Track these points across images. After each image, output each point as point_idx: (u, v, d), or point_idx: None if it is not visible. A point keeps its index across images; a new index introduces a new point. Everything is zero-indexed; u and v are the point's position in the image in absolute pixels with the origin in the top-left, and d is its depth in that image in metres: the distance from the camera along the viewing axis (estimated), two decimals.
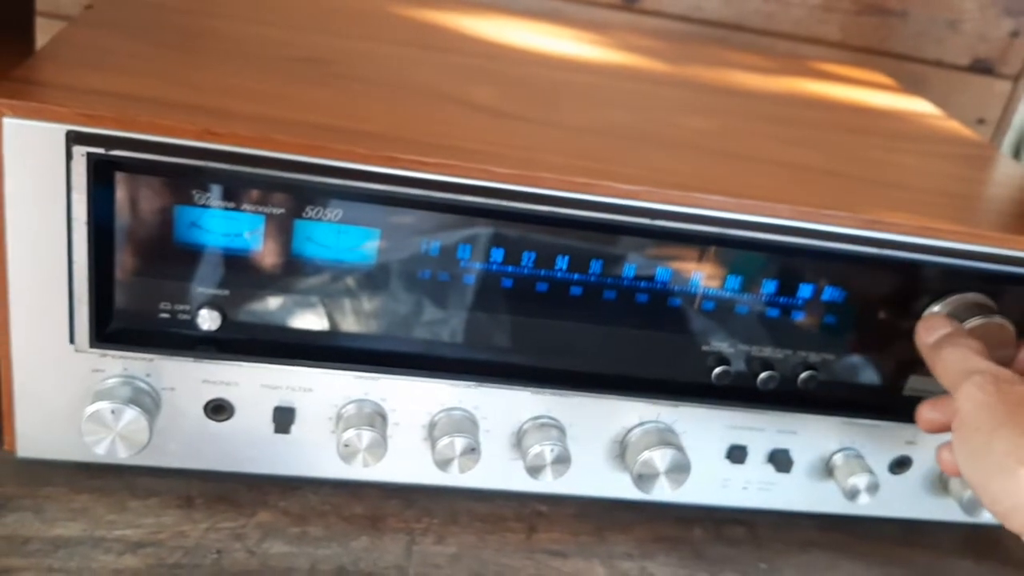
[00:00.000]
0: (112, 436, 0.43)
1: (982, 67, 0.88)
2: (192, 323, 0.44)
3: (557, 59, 0.65)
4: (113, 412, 0.43)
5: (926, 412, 0.46)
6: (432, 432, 0.47)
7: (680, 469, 0.48)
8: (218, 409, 0.46)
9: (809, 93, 0.70)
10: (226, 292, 0.44)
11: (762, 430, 0.51)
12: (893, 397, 0.51)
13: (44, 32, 0.67)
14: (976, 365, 0.42)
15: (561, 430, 0.48)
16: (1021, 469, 0.37)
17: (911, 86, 0.81)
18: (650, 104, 0.60)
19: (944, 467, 0.46)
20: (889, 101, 0.72)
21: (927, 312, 0.47)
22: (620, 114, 0.56)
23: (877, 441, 0.52)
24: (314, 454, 0.48)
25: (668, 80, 0.67)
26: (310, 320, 0.45)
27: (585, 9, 0.83)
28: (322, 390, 0.46)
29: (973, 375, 0.41)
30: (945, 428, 0.45)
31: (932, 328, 0.46)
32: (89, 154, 0.39)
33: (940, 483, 0.54)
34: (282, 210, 0.42)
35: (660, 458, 0.48)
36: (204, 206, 0.42)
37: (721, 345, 0.48)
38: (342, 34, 0.60)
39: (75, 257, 0.41)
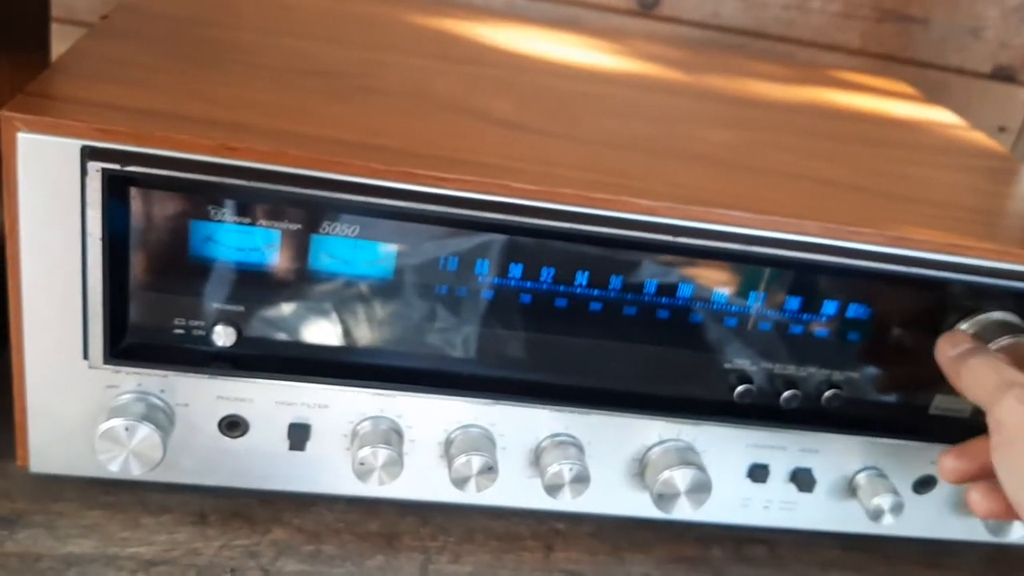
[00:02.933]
0: (126, 453, 0.43)
1: (1004, 74, 0.86)
2: (207, 339, 0.43)
3: (575, 69, 0.64)
4: (127, 429, 0.42)
5: (950, 462, 0.45)
6: (449, 450, 0.47)
7: (701, 489, 0.47)
8: (233, 425, 0.46)
9: (830, 104, 0.70)
10: (241, 308, 0.43)
11: (784, 449, 0.50)
12: (919, 416, 0.50)
13: (58, 37, 0.67)
14: (1014, 377, 0.40)
15: (580, 448, 0.48)
16: None
17: (932, 93, 0.80)
18: (669, 116, 0.59)
19: (975, 509, 0.44)
20: (912, 112, 0.71)
21: (952, 331, 0.47)
22: (639, 126, 0.55)
23: (901, 460, 0.51)
24: (329, 471, 0.47)
25: (687, 91, 0.66)
26: (326, 336, 0.45)
27: (602, 16, 0.82)
28: (338, 407, 0.46)
29: (1015, 387, 0.39)
30: (973, 477, 0.44)
31: (956, 342, 0.45)
32: (104, 170, 0.38)
33: (965, 503, 0.53)
34: (298, 225, 0.42)
35: (681, 478, 0.47)
36: (219, 221, 0.41)
37: (743, 363, 0.47)
38: (359, 45, 0.60)
39: (89, 273, 0.41)
